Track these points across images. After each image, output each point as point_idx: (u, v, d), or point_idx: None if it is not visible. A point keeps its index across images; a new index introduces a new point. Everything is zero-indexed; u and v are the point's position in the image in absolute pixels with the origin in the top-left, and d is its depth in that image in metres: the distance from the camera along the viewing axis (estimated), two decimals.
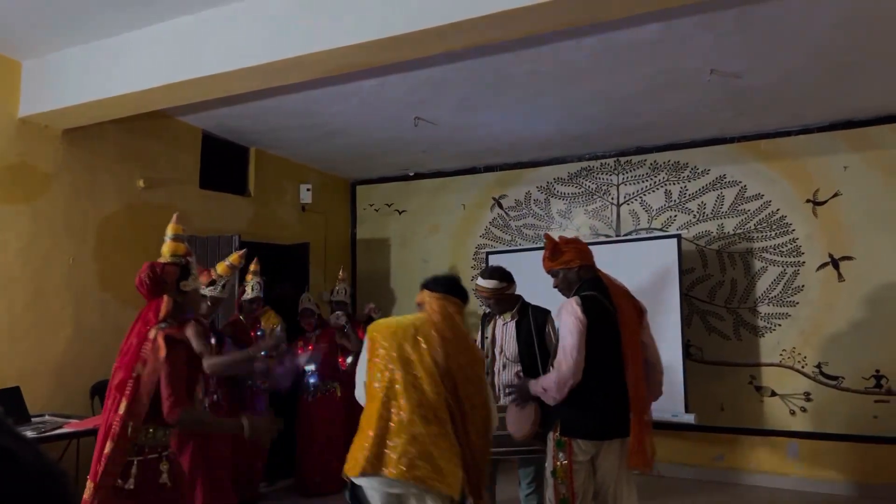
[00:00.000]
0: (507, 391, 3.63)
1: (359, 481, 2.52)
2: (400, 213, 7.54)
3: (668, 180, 6.14)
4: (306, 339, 5.49)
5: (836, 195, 5.49)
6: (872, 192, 5.35)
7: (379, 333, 2.67)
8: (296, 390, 5.36)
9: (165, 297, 2.55)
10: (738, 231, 5.83)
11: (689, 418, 5.20)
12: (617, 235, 6.27)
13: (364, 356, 2.70)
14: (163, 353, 2.40)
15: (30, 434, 3.51)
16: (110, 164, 5.09)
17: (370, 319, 5.19)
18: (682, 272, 5.47)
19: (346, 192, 7.85)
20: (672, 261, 5.43)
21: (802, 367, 5.51)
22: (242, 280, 5.07)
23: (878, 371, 5.24)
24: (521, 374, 3.70)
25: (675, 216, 6.09)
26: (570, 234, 4.40)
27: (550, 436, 3.19)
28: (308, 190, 6.95)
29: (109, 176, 5.07)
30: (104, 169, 5.04)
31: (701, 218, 5.98)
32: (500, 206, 6.96)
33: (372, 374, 2.62)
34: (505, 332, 3.85)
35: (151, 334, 2.49)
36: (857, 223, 5.39)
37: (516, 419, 3.39)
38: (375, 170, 7.39)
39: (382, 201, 7.67)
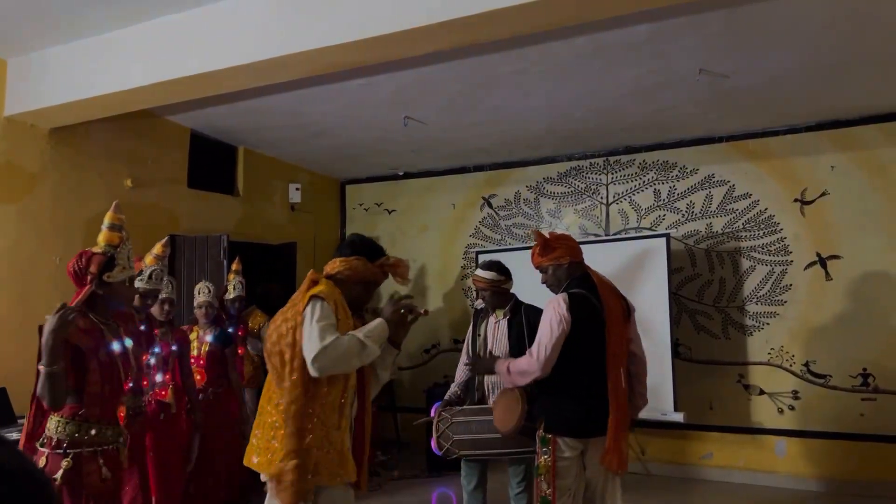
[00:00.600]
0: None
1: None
2: (390, 213, 7.53)
3: (656, 180, 6.17)
4: None
5: (823, 195, 5.53)
6: (859, 192, 5.39)
7: None
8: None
9: (85, 288, 2.47)
10: (727, 230, 5.86)
11: (678, 417, 5.22)
12: (606, 235, 6.29)
13: None
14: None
15: (15, 436, 3.48)
16: (98, 163, 5.05)
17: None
18: (670, 271, 5.49)
19: (336, 192, 7.84)
20: (661, 260, 5.44)
21: (790, 365, 5.55)
22: (225, 280, 5.09)
23: (865, 369, 5.29)
24: None
25: (664, 215, 6.11)
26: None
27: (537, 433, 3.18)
28: (297, 189, 6.94)
29: (97, 175, 5.03)
30: (91, 168, 5.00)
31: (689, 217, 6.01)
32: (490, 206, 6.96)
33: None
34: (497, 329, 3.86)
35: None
36: (845, 222, 5.43)
37: (501, 414, 3.34)
38: (365, 169, 7.38)
39: (372, 201, 7.66)
